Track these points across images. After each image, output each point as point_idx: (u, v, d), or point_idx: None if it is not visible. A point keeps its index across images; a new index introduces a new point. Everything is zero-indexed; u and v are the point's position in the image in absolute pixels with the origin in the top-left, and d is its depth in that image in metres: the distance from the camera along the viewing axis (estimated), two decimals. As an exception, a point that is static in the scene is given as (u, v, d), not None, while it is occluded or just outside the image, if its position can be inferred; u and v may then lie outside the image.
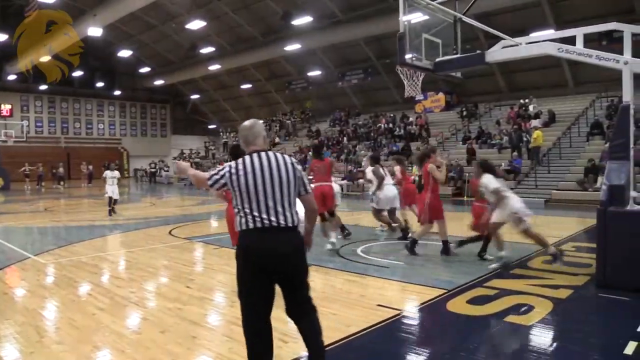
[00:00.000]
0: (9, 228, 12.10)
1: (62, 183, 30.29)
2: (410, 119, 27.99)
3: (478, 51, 7.38)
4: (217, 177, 3.13)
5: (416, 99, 30.16)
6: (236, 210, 3.10)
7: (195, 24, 25.50)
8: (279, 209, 3.04)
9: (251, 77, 37.67)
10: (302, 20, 24.98)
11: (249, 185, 3.02)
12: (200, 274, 7.03)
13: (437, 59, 7.58)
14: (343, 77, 32.52)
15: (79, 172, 33.73)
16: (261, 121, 3.75)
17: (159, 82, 39.48)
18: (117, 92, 41.40)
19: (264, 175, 3.04)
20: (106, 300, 5.47)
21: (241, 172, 3.05)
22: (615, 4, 20.38)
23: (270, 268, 3.04)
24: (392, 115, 29.38)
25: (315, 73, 33.31)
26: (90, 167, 32.71)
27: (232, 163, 3.13)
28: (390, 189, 9.45)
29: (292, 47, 28.15)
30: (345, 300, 5.38)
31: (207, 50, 30.93)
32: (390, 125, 27.80)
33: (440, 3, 7.68)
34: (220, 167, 3.18)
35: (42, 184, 29.50)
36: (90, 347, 4.08)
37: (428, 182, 7.76)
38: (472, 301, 5.23)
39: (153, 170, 35.20)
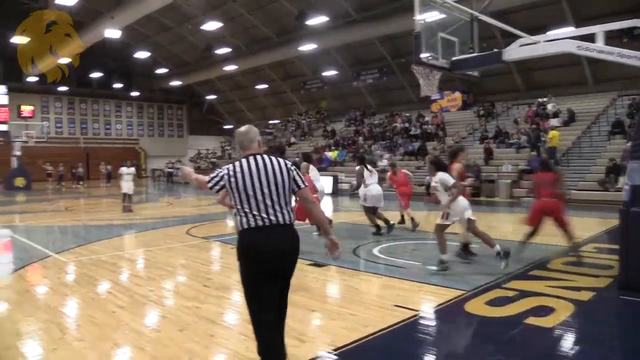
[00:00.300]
0: (31, 227, 12.33)
1: (81, 183, 30.79)
2: (426, 118, 27.83)
3: (495, 50, 7.33)
4: (217, 179, 3.25)
5: (432, 98, 29.99)
6: (235, 210, 3.22)
7: (211, 25, 25.63)
8: (277, 207, 3.17)
9: (266, 77, 37.81)
10: (317, 20, 24.94)
11: (246, 186, 3.15)
12: (218, 273, 7.08)
13: (454, 58, 7.55)
14: (358, 76, 32.44)
15: (98, 172, 34.14)
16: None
17: (175, 83, 39.84)
18: (135, 93, 41.85)
19: (260, 176, 3.17)
20: (126, 299, 5.53)
21: (239, 175, 3.17)
22: (634, 0, 20.01)
23: (271, 265, 3.13)
24: (407, 114, 29.26)
25: (330, 73, 33.31)
26: (109, 167, 33.11)
27: (230, 166, 3.25)
28: (374, 188, 9.91)
29: (307, 47, 28.18)
30: (362, 300, 5.37)
31: (222, 51, 31.10)
32: (406, 124, 27.66)
33: (456, 1, 7.64)
34: (219, 170, 3.30)
35: (63, 183, 30.02)
36: (110, 345, 4.14)
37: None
38: (491, 302, 5.18)
39: (170, 170, 35.52)
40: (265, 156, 3.28)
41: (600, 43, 6.36)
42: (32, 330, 4.52)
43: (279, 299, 3.30)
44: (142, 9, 23.85)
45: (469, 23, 7.80)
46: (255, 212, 3.12)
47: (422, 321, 4.72)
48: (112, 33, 24.36)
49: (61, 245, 9.32)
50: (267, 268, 3.12)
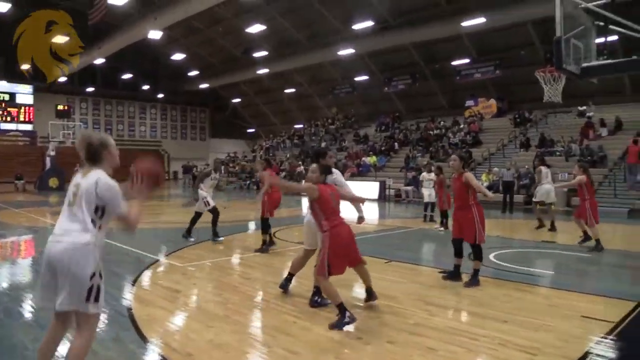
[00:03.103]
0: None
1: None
2: (462, 125, 27.74)
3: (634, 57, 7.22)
4: None
5: (466, 104, 29.99)
6: None
7: (254, 28, 25.55)
8: None
9: (294, 81, 37.75)
10: (361, 25, 24.89)
11: None
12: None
13: (587, 64, 7.42)
14: (389, 82, 32.44)
15: (122, 174, 33.83)
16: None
17: (203, 86, 39.81)
18: (160, 95, 41.82)
19: None
20: (292, 307, 5.40)
21: None
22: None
23: None
24: (441, 121, 29.18)
25: (360, 78, 33.30)
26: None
27: None
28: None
29: (345, 52, 28.19)
30: (541, 310, 5.24)
31: (259, 54, 31.08)
32: (443, 131, 27.56)
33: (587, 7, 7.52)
34: None
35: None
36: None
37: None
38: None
39: (197, 173, 35.24)
40: None
41: None
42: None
43: None
44: (184, 11, 23.87)
45: (596, 29, 7.69)
46: None
47: (627, 332, 4.58)
48: (155, 34, 24.35)
49: (157, 249, 9.09)
50: None
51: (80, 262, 2.89)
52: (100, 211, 3.03)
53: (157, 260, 8.03)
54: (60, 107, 30.36)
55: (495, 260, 7.92)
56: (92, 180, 3.00)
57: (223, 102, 45.67)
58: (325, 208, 4.86)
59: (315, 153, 6.03)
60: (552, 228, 11.54)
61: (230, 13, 30.53)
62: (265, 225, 8.83)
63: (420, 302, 5.51)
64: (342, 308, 4.57)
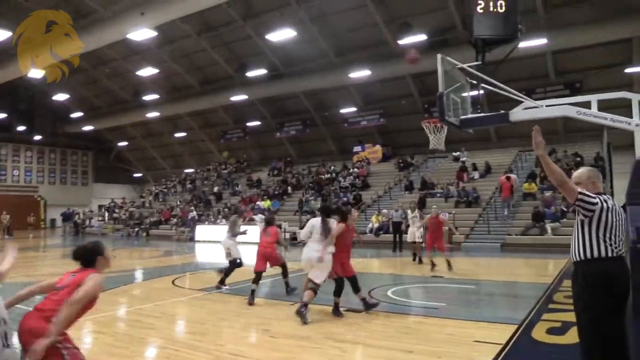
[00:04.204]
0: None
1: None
2: (351, 169, 29.11)
3: (502, 111, 8.36)
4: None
5: (354, 150, 31.63)
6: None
7: (145, 71, 25.02)
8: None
9: (184, 125, 37.16)
10: (254, 72, 25.54)
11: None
12: (268, 322, 6.98)
13: (464, 117, 8.45)
14: (281, 127, 33.24)
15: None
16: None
17: (87, 128, 37.57)
18: (37, 137, 38.59)
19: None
20: (207, 356, 5.37)
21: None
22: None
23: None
24: (332, 166, 30.39)
25: (253, 123, 33.78)
26: (8, 216, 29.97)
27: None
28: None
29: (238, 97, 28.62)
30: (440, 339, 5.73)
31: (149, 97, 30.32)
32: (333, 175, 28.69)
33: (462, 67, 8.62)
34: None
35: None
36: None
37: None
38: (551, 332, 5.82)
39: (80, 220, 32.71)
40: None
41: (594, 109, 7.61)
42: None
43: None
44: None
45: (469, 86, 8.83)
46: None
47: (515, 353, 5.19)
48: (36, 73, 22.76)
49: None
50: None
51: None
52: None
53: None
54: None
55: (392, 296, 8.45)
56: None
57: (108, 145, 43.36)
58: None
59: (326, 209, 7.48)
60: (420, 261, 13.56)
61: (118, 55, 29.60)
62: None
63: (331, 340, 5.75)
64: None
